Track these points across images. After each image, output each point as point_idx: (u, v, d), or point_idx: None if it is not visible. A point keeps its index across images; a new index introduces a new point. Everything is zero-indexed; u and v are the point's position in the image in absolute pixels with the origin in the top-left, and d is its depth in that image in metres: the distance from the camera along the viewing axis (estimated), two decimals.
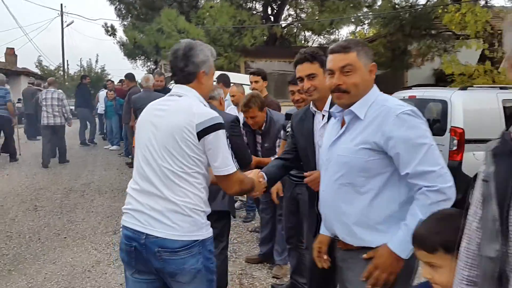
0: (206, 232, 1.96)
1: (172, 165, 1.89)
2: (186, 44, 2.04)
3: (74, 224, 5.46)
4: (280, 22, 17.81)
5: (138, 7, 18.19)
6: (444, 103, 6.34)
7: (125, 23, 19.50)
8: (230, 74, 6.72)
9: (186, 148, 1.89)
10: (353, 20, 12.93)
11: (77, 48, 75.73)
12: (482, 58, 11.39)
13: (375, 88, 1.87)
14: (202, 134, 1.88)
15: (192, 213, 1.90)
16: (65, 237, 5.00)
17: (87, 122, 12.76)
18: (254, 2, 16.43)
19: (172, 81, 10.49)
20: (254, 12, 15.64)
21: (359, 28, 14.05)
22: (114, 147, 11.75)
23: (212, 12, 11.77)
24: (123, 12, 19.20)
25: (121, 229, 2.05)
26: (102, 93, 12.57)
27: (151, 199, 1.91)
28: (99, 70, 35.52)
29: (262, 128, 3.85)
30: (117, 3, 18.80)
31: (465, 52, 11.33)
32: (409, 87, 13.60)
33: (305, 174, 2.32)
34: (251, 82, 5.08)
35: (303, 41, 20.78)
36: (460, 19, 10.41)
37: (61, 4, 27.28)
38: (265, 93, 5.13)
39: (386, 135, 1.69)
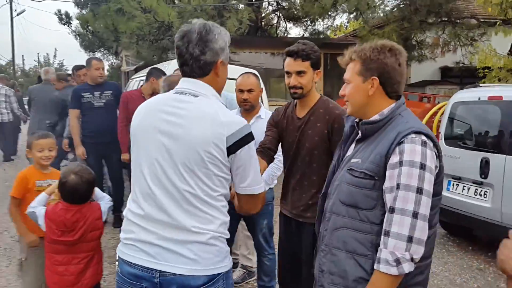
0: (229, 261, 1.62)
1: (195, 188, 1.52)
2: (201, 25, 1.58)
3: None
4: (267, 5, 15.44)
5: None
6: None
7: (84, 11, 16.86)
8: None
9: (213, 167, 1.52)
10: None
11: (34, 41, 69.73)
12: None
13: None
14: (233, 149, 1.53)
15: (217, 242, 1.56)
16: None
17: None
18: None
19: (137, 75, 7.87)
20: None
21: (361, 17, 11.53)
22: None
23: None
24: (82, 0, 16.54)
25: (116, 266, 1.60)
26: None
27: (163, 228, 1.52)
28: (58, 66, 32.56)
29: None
30: None
31: (493, 41, 9.37)
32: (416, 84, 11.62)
33: None
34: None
35: (283, 33, 18.62)
36: None
37: None
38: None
39: None
